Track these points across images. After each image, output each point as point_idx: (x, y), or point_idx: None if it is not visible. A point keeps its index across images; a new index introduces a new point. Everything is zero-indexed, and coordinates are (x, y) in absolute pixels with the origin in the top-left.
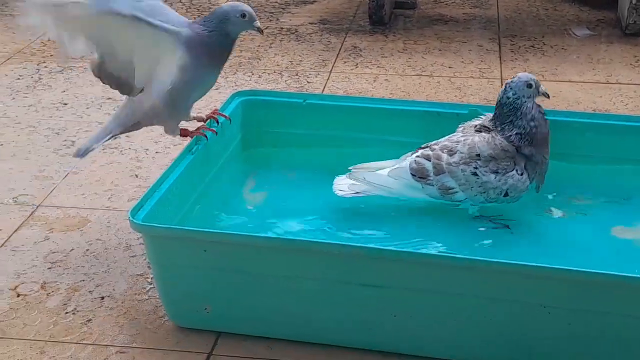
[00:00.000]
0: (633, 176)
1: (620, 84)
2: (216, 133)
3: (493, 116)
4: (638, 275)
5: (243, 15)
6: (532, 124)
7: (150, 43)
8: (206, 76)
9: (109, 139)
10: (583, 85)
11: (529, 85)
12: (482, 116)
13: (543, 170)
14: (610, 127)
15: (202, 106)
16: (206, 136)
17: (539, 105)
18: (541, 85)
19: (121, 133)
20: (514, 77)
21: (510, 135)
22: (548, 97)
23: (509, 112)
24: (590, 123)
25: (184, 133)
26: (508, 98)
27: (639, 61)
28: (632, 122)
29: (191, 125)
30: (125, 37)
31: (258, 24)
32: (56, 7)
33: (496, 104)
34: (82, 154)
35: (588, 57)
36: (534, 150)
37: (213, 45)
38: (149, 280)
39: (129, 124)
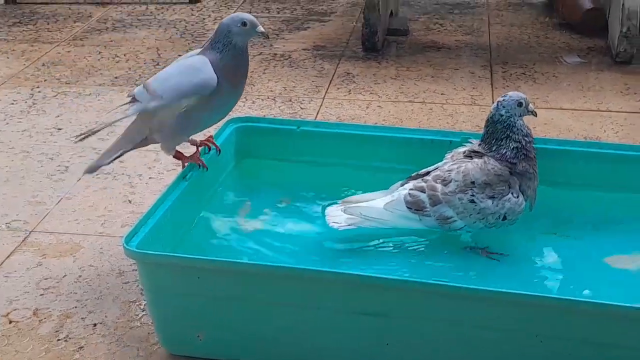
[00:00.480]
0: (624, 204)
1: (610, 111)
2: (206, 168)
3: (484, 137)
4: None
5: (244, 24)
6: (527, 139)
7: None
8: (232, 96)
9: (120, 155)
10: (574, 113)
11: (520, 104)
12: (468, 143)
13: (536, 186)
14: (602, 155)
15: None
16: (205, 166)
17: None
18: (530, 104)
19: (131, 149)
20: (505, 96)
21: (507, 152)
22: (535, 115)
23: (503, 128)
24: (582, 151)
25: (178, 156)
26: (501, 115)
27: (630, 89)
28: (623, 151)
29: (183, 147)
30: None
31: (261, 28)
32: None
33: (487, 122)
34: (93, 170)
35: (579, 84)
36: (527, 165)
37: (229, 64)
38: (142, 306)
39: (138, 140)
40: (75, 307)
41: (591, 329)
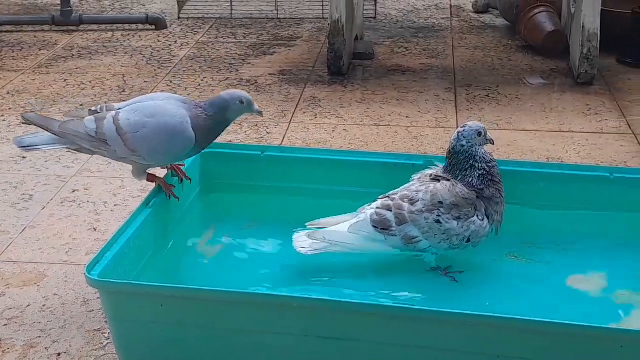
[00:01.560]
0: (586, 223)
1: (572, 132)
2: (178, 199)
3: (447, 167)
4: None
5: (241, 102)
6: (490, 164)
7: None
8: (198, 149)
9: (57, 148)
10: (537, 134)
11: (479, 133)
12: (434, 167)
13: (502, 210)
14: (562, 176)
15: None
16: (176, 197)
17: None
18: (487, 133)
19: (73, 150)
20: (464, 126)
21: (472, 180)
22: (493, 143)
23: (465, 159)
24: (544, 172)
25: (151, 179)
26: (462, 146)
27: (591, 109)
28: (584, 172)
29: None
30: None
31: (256, 107)
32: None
33: (449, 153)
34: (25, 146)
35: (542, 106)
36: (495, 190)
37: (210, 127)
38: (107, 335)
39: (86, 149)
40: (39, 336)
41: (551, 349)
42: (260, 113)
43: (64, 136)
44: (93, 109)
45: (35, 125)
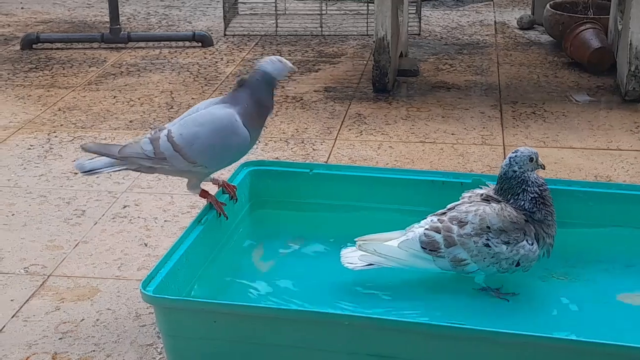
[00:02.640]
0: (634, 243)
1: (620, 150)
2: (227, 218)
3: (498, 189)
4: None
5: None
6: (542, 187)
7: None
8: (256, 138)
9: (118, 171)
10: (584, 152)
11: (531, 159)
12: (485, 186)
13: (554, 233)
14: (611, 195)
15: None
16: (226, 215)
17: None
18: (539, 158)
19: (132, 170)
20: (516, 152)
21: (525, 204)
22: (544, 168)
23: (517, 184)
24: (592, 192)
25: (204, 195)
26: (514, 172)
27: (639, 127)
28: (633, 191)
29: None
30: None
31: (289, 64)
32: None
33: (500, 178)
34: (87, 171)
35: (588, 123)
36: (547, 212)
37: (256, 110)
38: (159, 350)
39: (147, 167)
40: (94, 350)
41: None
42: (293, 70)
43: (125, 160)
44: (147, 134)
45: (95, 153)
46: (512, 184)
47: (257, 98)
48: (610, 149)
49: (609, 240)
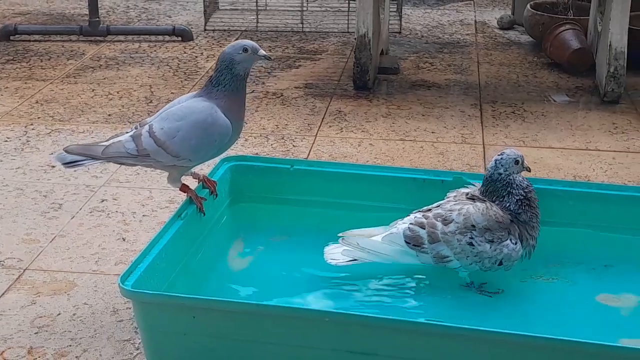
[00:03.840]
0: (612, 243)
1: (599, 150)
2: (204, 214)
3: (483, 191)
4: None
5: (245, 50)
6: (527, 189)
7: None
8: (238, 131)
9: (100, 163)
10: (563, 152)
11: (517, 162)
12: (471, 185)
13: (537, 235)
14: (590, 195)
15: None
16: (203, 212)
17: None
18: (525, 161)
19: (113, 162)
20: (502, 154)
21: (510, 205)
22: (529, 170)
23: (502, 187)
24: (572, 191)
25: (184, 189)
26: (500, 174)
27: (617, 128)
28: (612, 191)
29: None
30: None
31: (263, 52)
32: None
33: (486, 180)
34: (67, 162)
35: (567, 123)
36: (532, 214)
37: (234, 101)
38: (136, 345)
39: (127, 162)
40: (70, 345)
41: None
42: (268, 57)
43: (109, 160)
44: (128, 130)
45: (79, 155)
46: (497, 187)
47: (225, 87)
48: (589, 149)
49: (588, 240)
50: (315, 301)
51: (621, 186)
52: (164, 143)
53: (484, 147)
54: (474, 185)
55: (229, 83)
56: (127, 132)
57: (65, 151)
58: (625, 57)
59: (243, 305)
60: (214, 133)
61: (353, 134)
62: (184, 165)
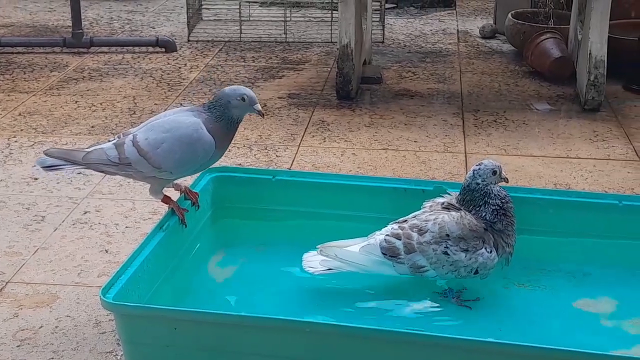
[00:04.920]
0: (592, 250)
1: (579, 158)
2: (185, 225)
3: (460, 199)
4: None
5: (243, 99)
6: (504, 200)
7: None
8: (219, 155)
9: (79, 169)
10: (544, 160)
11: (494, 172)
12: (447, 195)
13: (513, 242)
14: (570, 203)
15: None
16: (185, 223)
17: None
18: (502, 171)
19: (93, 170)
20: (480, 165)
21: (486, 215)
22: (507, 181)
23: (480, 196)
24: (552, 200)
25: (166, 200)
26: (477, 184)
27: (598, 136)
28: (592, 199)
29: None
30: None
31: (258, 107)
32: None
33: (463, 190)
34: (47, 166)
35: (548, 131)
36: (507, 223)
37: (222, 130)
38: (118, 357)
39: (108, 170)
40: (52, 358)
41: None
42: (261, 114)
43: (89, 166)
44: (111, 139)
45: (59, 159)
46: (474, 196)
47: (217, 119)
48: (570, 157)
49: (567, 248)
50: (296, 312)
51: (600, 194)
52: (146, 153)
53: (466, 156)
54: (449, 194)
55: (220, 117)
56: (110, 140)
57: (46, 154)
58: (605, 65)
59: (225, 316)
60: (199, 149)
61: (336, 144)
62: (165, 177)
